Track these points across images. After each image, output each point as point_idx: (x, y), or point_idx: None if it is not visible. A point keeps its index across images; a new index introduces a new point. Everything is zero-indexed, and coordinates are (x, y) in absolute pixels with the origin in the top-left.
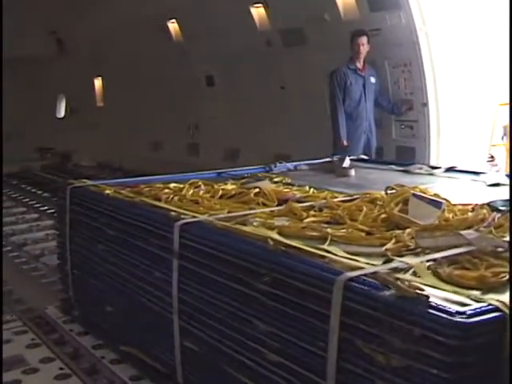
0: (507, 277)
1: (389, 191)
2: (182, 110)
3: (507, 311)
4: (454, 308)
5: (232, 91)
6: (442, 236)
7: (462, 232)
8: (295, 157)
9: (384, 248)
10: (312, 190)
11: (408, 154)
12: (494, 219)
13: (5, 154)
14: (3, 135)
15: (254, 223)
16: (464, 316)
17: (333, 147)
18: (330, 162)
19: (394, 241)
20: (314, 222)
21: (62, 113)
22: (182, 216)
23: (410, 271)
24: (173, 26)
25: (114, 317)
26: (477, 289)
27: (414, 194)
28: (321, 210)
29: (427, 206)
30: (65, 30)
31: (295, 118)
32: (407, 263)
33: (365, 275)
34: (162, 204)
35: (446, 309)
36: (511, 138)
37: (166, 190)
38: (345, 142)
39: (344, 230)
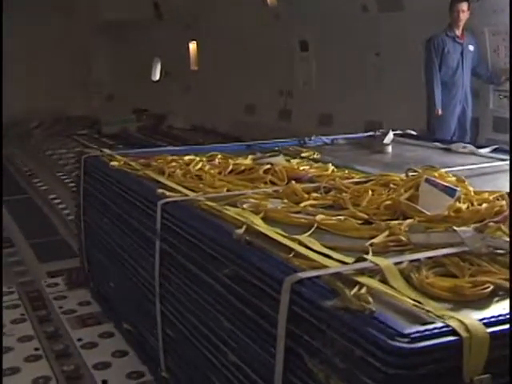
0: (491, 288)
1: (410, 173)
2: (275, 74)
3: (466, 335)
4: (401, 327)
5: (326, 57)
6: (435, 232)
7: (457, 229)
8: (387, 124)
9: (369, 242)
10: (332, 168)
11: (506, 125)
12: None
13: (106, 115)
14: (107, 96)
15: (245, 205)
16: (406, 339)
17: (426, 116)
18: (371, 136)
19: (386, 233)
20: (312, 205)
21: (157, 76)
22: (169, 194)
23: (380, 274)
24: None
25: (115, 293)
26: (452, 301)
27: (426, 179)
28: (328, 191)
29: (439, 194)
30: None
31: (389, 85)
32: (377, 264)
33: (317, 277)
34: (161, 178)
35: (387, 329)
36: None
37: (174, 164)
38: (439, 111)
39: (338, 218)
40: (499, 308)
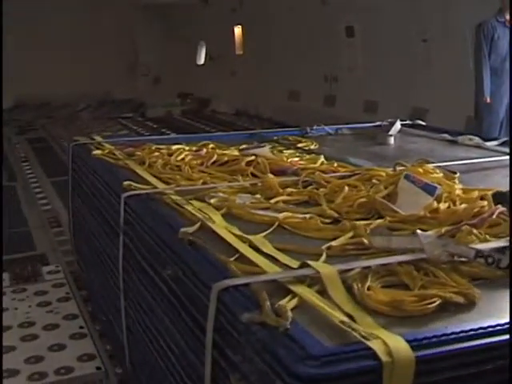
0: (437, 303)
1: (398, 168)
2: (320, 60)
3: (387, 359)
4: (314, 348)
5: (372, 43)
6: (398, 235)
7: (420, 233)
8: (433, 112)
9: (326, 245)
10: (321, 160)
11: None
12: (491, 214)
13: (151, 98)
14: (152, 80)
15: (212, 200)
16: (315, 363)
17: (474, 104)
18: (378, 126)
19: (350, 235)
20: (286, 201)
21: (202, 60)
22: (137, 186)
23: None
24: None
25: (95, 284)
26: (394, 316)
27: (406, 176)
28: (307, 186)
29: (418, 192)
30: None
31: (436, 71)
32: (317, 271)
33: (245, 285)
34: (139, 169)
35: (298, 349)
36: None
37: (156, 154)
38: (487, 99)
39: (304, 216)
40: (442, 326)
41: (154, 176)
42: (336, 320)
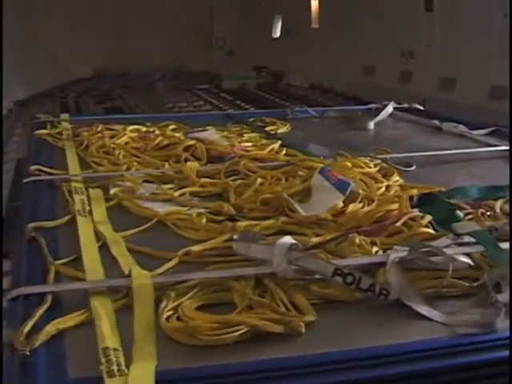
0: (240, 333)
1: (339, 158)
2: (397, 35)
3: None
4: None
5: (450, 17)
6: (262, 242)
7: (281, 241)
8: None
9: (184, 250)
10: (273, 146)
11: None
12: (395, 221)
13: (227, 70)
14: (228, 52)
15: (114, 189)
16: None
17: None
18: (369, 109)
19: (224, 238)
20: (196, 193)
21: (277, 33)
22: (49, 171)
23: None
24: None
25: None
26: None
27: (320, 170)
28: (234, 175)
29: (330, 189)
30: None
31: None
32: (125, 284)
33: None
34: (70, 152)
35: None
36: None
37: (99, 135)
38: None
39: (193, 211)
40: (236, 361)
41: (83, 159)
42: (101, 346)
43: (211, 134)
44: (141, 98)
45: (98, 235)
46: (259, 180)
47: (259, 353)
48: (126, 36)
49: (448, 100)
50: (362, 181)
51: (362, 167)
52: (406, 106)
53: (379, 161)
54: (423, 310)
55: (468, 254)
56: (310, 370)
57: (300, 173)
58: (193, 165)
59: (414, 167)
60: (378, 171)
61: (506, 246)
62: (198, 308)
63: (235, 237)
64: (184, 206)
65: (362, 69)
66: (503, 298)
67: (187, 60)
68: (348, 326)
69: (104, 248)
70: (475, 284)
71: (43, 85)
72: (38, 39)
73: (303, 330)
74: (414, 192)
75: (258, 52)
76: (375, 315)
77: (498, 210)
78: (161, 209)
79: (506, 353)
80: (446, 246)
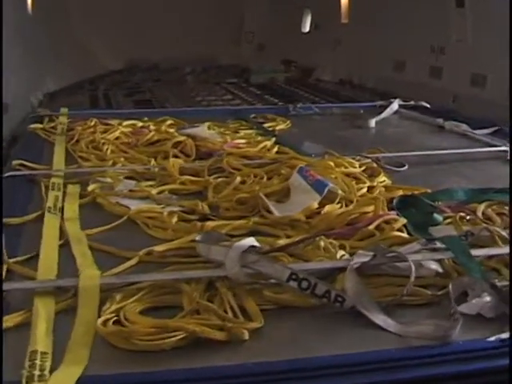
0: (178, 338)
1: (327, 157)
2: (427, 30)
3: None
4: None
5: (482, 13)
6: (220, 244)
7: (237, 244)
8: None
9: (146, 250)
10: (264, 144)
11: None
12: (368, 224)
13: (256, 65)
14: (257, 46)
15: (94, 184)
16: None
17: None
18: (373, 107)
19: (190, 238)
20: (175, 190)
21: (307, 28)
22: (30, 166)
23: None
24: None
25: None
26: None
27: (299, 170)
28: (219, 172)
29: (307, 189)
30: None
31: None
32: (73, 285)
33: None
34: (59, 146)
35: None
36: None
37: (91, 130)
38: None
39: (167, 210)
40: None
41: (71, 154)
42: (30, 349)
43: (203, 130)
44: (170, 91)
45: (63, 233)
46: (238, 178)
47: (201, 360)
48: (156, 29)
49: (478, 97)
50: (342, 181)
51: (345, 167)
52: (412, 103)
53: (369, 160)
54: (378, 319)
55: (439, 260)
56: (245, 380)
57: (283, 171)
58: (176, 162)
59: (406, 167)
60: (365, 171)
61: (481, 252)
62: (145, 311)
63: (197, 238)
64: (159, 204)
65: (392, 64)
66: (470, 308)
67: (217, 54)
68: (299, 334)
69: (67, 246)
70: (440, 292)
71: (73, 77)
72: (71, 32)
73: (247, 337)
74: (399, 193)
75: (287, 46)
76: (328, 323)
77: (479, 214)
78: (135, 206)
79: (458, 367)
80: (416, 252)
